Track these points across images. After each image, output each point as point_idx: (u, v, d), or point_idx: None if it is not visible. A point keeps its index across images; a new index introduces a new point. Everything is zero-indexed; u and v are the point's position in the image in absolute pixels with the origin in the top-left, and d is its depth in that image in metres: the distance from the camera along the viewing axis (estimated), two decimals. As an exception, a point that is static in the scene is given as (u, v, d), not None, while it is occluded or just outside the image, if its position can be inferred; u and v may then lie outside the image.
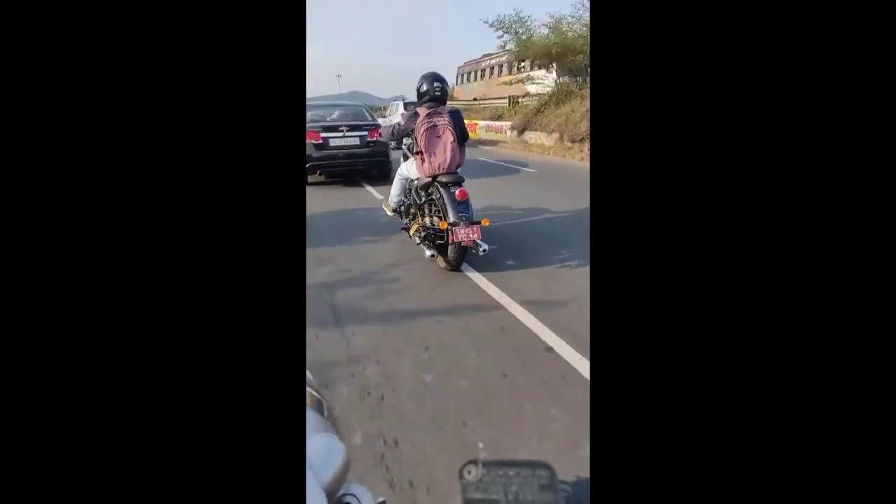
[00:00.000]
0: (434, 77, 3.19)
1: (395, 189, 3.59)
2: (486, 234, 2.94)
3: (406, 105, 10.59)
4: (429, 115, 3.08)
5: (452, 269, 3.07)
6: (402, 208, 3.63)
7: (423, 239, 3.00)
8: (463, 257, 3.03)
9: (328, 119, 6.88)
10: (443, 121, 3.04)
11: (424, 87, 3.18)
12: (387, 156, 6.72)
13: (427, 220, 3.12)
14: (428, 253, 2.95)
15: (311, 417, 0.43)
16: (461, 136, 3.26)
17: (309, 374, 0.52)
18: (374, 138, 6.62)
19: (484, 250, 3.04)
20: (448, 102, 3.30)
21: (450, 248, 2.95)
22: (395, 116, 10.09)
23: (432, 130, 3.05)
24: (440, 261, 3.09)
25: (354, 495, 0.32)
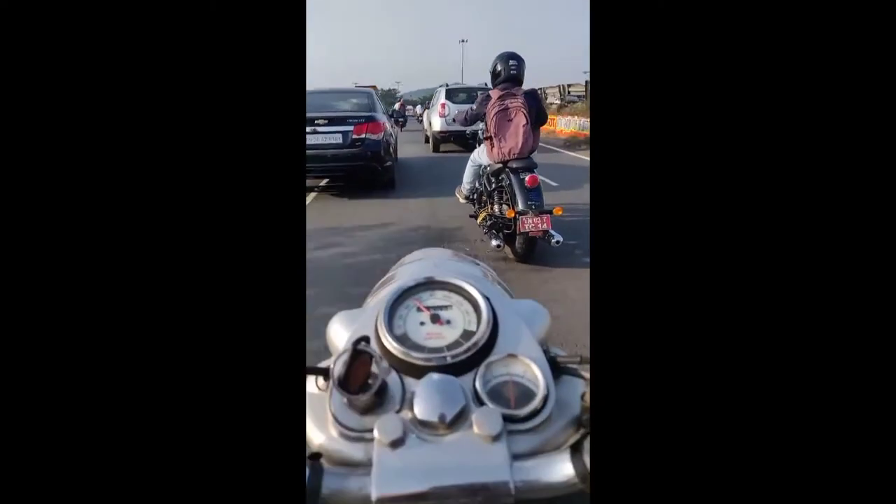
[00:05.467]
0: (509, 56, 3.00)
1: (468, 175, 3.46)
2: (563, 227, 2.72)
3: (448, 92, 9.27)
4: (501, 98, 2.90)
5: (520, 261, 2.89)
6: (475, 196, 3.50)
7: (490, 228, 2.85)
8: (532, 249, 2.83)
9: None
10: (515, 103, 2.85)
11: (499, 67, 3.00)
12: (380, 159, 4.78)
13: (496, 207, 2.97)
14: (494, 243, 2.79)
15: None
16: (537, 119, 3.04)
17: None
18: (364, 135, 4.59)
19: (557, 241, 2.82)
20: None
21: (517, 239, 2.77)
22: (436, 105, 9.21)
23: (503, 113, 2.87)
24: (507, 251, 2.92)
25: (556, 353, 0.39)
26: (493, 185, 3.01)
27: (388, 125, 5.54)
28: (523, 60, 3.03)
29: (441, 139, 9.01)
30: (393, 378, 0.36)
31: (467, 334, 0.39)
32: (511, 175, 2.79)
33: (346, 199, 4.92)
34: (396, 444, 0.31)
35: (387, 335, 0.39)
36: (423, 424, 0.33)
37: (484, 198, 3.22)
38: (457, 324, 0.41)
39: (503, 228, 2.82)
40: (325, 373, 0.38)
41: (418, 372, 0.36)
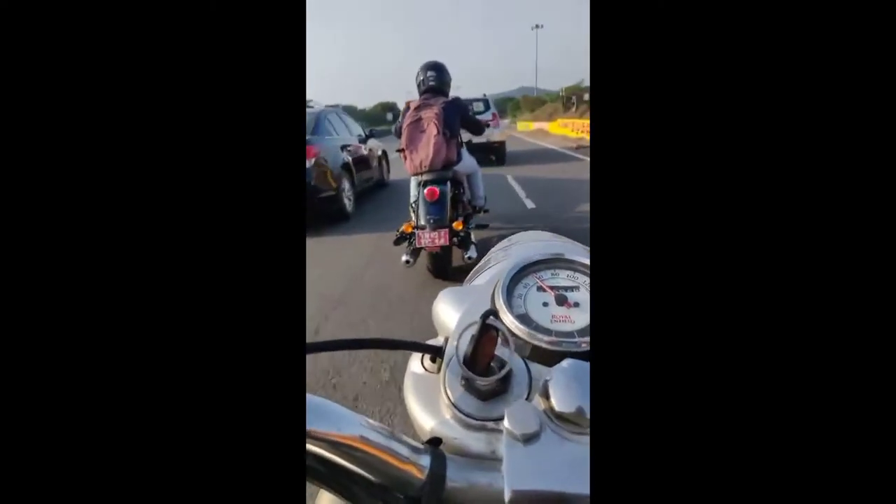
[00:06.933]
0: (428, 66, 2.94)
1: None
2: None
3: None
4: (417, 108, 2.84)
5: (437, 276, 2.79)
6: None
7: (395, 242, 2.78)
8: (437, 265, 2.72)
9: None
10: (430, 113, 2.76)
11: (419, 78, 2.94)
12: (309, 189, 4.23)
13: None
14: (403, 258, 2.71)
15: None
16: (467, 128, 2.95)
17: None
18: None
19: (469, 258, 2.70)
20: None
21: (422, 254, 2.68)
22: None
23: (416, 125, 2.80)
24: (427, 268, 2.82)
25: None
26: (414, 199, 2.94)
27: (338, 149, 4.97)
28: (444, 70, 2.95)
29: None
30: (516, 362, 0.32)
31: None
32: (421, 188, 2.71)
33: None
34: (530, 438, 0.27)
35: (508, 313, 0.35)
36: (561, 418, 0.28)
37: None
38: (587, 307, 0.36)
39: (412, 243, 2.74)
40: (436, 351, 0.35)
41: (545, 357, 0.32)
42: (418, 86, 2.95)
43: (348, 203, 5.01)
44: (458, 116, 2.85)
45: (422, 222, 2.57)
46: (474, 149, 7.66)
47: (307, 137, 4.47)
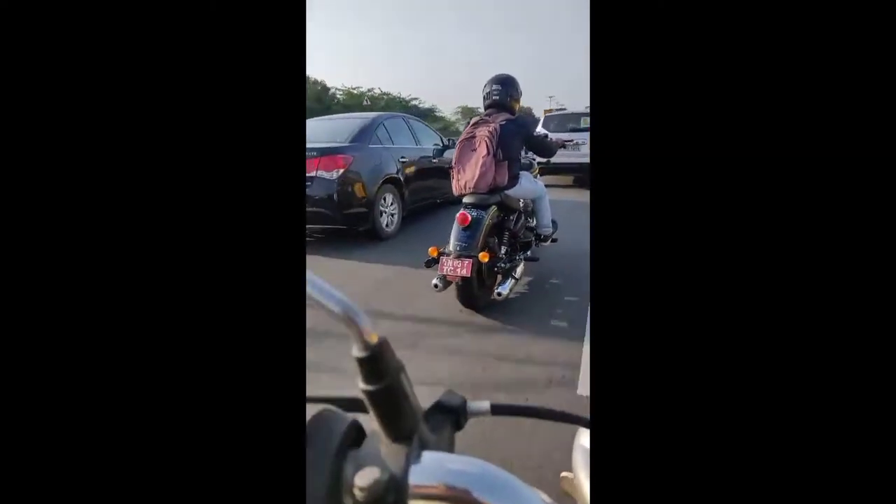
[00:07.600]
0: (494, 80, 2.70)
1: None
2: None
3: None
4: (474, 125, 2.63)
5: (465, 306, 2.57)
6: None
7: (427, 264, 2.60)
8: (464, 295, 2.48)
9: None
10: (484, 131, 2.54)
11: (485, 91, 2.73)
12: (332, 204, 3.74)
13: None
14: (433, 281, 2.54)
15: None
16: (535, 149, 2.70)
17: None
18: (314, 172, 3.70)
19: (498, 294, 2.44)
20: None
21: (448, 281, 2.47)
22: None
23: (468, 143, 2.59)
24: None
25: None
26: None
27: (390, 160, 4.35)
28: (512, 84, 2.69)
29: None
30: None
31: None
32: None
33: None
34: None
35: None
36: None
37: None
38: None
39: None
40: None
41: None
42: (483, 99, 2.74)
43: (388, 221, 4.27)
44: (519, 137, 2.58)
45: (449, 248, 2.37)
46: (562, 169, 6.99)
47: (341, 146, 4.04)
